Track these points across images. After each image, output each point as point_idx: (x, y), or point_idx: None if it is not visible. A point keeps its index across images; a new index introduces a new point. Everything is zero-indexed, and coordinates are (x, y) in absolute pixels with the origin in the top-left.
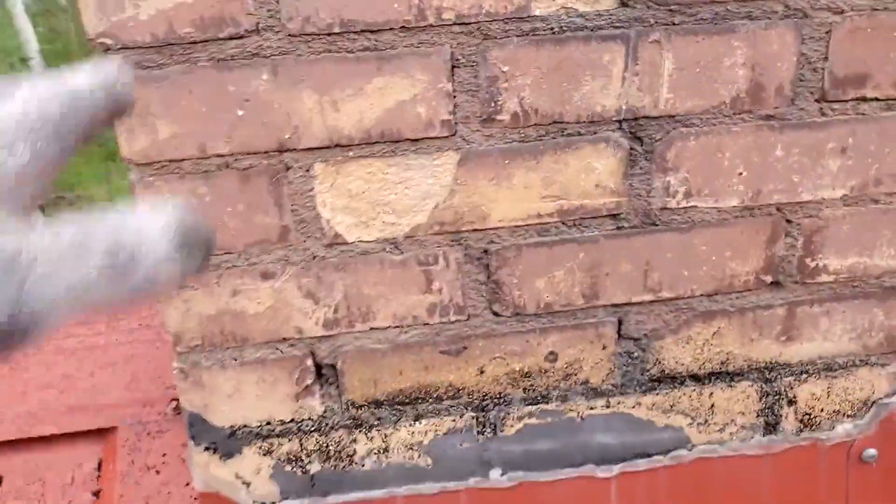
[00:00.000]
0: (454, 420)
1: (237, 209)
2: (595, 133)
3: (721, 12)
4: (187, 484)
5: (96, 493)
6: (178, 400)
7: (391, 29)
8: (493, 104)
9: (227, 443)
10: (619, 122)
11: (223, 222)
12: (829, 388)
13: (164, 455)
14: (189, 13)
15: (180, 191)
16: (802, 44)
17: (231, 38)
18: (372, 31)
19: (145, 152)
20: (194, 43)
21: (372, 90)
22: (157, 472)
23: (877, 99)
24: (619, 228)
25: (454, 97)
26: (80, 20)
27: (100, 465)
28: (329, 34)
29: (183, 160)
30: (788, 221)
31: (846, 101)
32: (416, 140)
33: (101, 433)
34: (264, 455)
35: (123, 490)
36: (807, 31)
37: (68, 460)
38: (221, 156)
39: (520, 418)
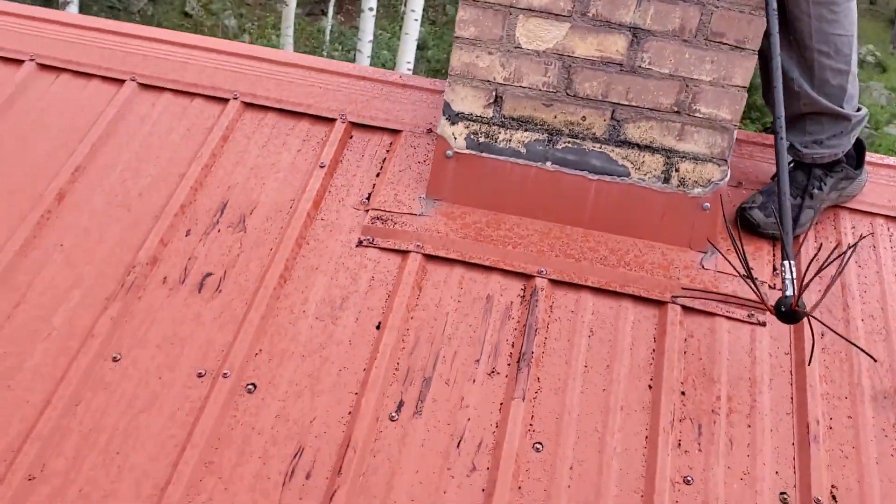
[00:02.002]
0: (539, 134)
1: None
2: (621, 27)
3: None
4: (422, 155)
5: (387, 151)
6: (430, 128)
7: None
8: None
9: (453, 117)
10: (630, 28)
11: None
12: (694, 168)
13: (418, 143)
14: None
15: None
16: (703, 16)
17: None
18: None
19: (462, 32)
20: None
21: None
22: (415, 149)
23: (715, 41)
24: (621, 70)
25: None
26: None
27: (391, 144)
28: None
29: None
30: (687, 86)
31: (717, 42)
32: (558, 15)
33: (393, 131)
34: (465, 128)
35: (399, 152)
36: (704, 11)
37: (380, 140)
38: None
39: (564, 142)
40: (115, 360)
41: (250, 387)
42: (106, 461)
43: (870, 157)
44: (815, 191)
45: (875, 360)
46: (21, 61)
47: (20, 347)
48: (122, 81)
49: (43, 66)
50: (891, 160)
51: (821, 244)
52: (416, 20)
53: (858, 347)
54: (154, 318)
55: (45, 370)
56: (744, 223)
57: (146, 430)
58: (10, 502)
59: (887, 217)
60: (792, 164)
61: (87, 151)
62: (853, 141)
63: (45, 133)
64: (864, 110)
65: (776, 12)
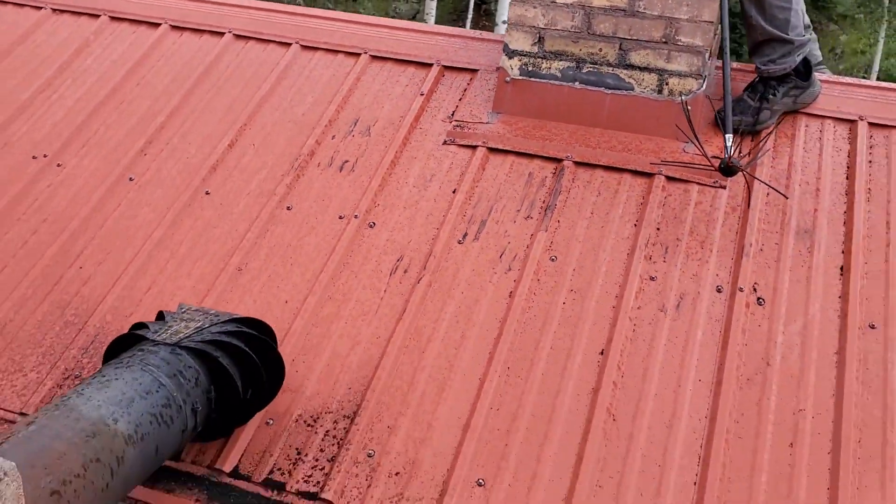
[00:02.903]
0: (569, 62)
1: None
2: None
3: None
4: (492, 85)
5: (468, 84)
6: (498, 67)
7: None
8: None
9: (510, 53)
10: None
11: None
12: (679, 82)
13: (489, 78)
14: None
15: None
16: None
17: None
18: None
19: None
20: None
21: None
22: (487, 81)
23: None
24: (625, 14)
25: None
26: None
27: (470, 79)
28: None
29: None
30: (671, 23)
31: None
32: None
33: (472, 70)
34: (518, 61)
35: (475, 84)
36: None
37: (464, 77)
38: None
39: (587, 68)
40: (288, 208)
41: (371, 224)
42: (283, 260)
43: (826, 77)
44: (770, 96)
45: (786, 197)
46: (222, 33)
47: (229, 199)
48: (289, 45)
49: (237, 36)
50: (842, 79)
51: (771, 131)
52: None
53: (770, 186)
54: (312, 186)
55: (247, 212)
56: (718, 122)
57: (307, 246)
58: (225, 283)
59: (833, 118)
60: (756, 79)
61: (268, 89)
62: (799, 59)
63: (239, 79)
64: (808, 36)
65: None
